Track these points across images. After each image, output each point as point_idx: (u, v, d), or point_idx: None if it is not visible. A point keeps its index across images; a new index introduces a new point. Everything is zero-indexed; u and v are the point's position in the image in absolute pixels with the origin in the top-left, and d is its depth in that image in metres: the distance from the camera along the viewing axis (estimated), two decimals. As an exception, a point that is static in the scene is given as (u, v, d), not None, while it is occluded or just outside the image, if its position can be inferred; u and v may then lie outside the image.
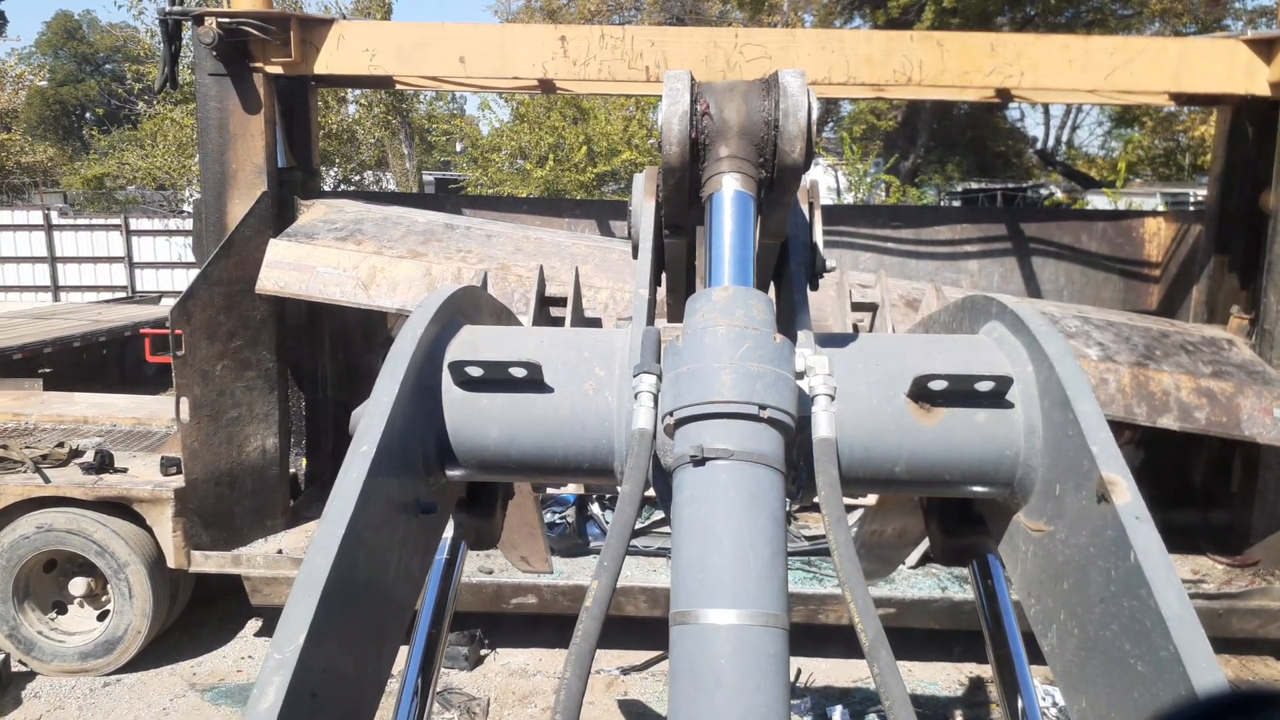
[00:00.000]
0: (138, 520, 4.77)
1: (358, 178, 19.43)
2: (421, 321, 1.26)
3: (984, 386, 1.23)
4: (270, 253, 4.59)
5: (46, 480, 4.81)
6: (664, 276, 1.73)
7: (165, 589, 4.87)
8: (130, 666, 4.90)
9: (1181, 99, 5.15)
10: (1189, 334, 4.83)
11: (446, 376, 1.29)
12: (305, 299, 4.67)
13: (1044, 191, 21.88)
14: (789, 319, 1.41)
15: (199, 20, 4.54)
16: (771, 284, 1.65)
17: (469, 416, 1.29)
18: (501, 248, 4.84)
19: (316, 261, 4.58)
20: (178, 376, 4.60)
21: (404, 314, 4.71)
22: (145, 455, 5.33)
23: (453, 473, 1.34)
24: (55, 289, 17.67)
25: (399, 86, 5.42)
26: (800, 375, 1.23)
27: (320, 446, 5.76)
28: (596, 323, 2.71)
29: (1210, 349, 4.71)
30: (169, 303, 12.56)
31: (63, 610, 5.03)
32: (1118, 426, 4.64)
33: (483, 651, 5.14)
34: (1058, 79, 4.65)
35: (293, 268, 4.57)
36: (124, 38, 25.65)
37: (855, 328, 1.96)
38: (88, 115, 42.04)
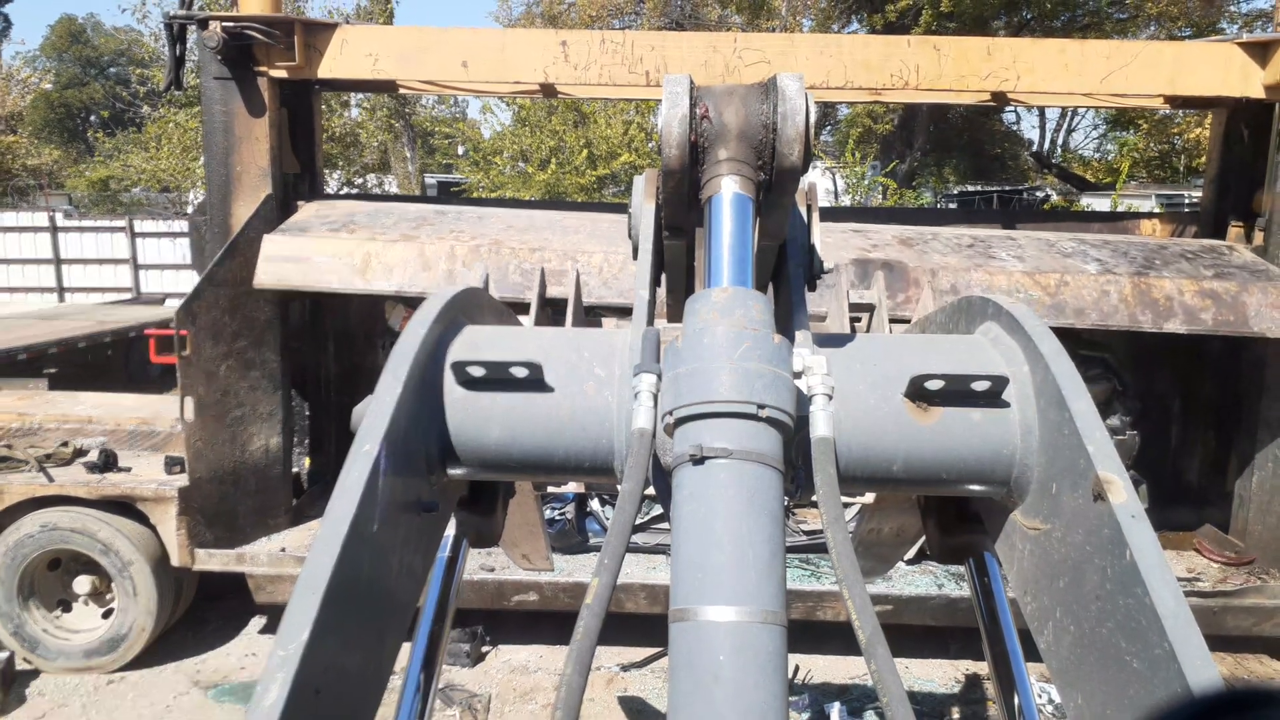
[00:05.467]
0: (142, 519, 4.78)
1: (360, 181, 19.46)
2: (424, 321, 1.27)
3: (980, 386, 1.24)
4: (265, 248, 4.62)
5: (51, 479, 4.82)
6: (664, 277, 1.75)
7: (169, 587, 4.89)
8: (134, 664, 4.91)
9: (1177, 102, 5.16)
10: (1187, 245, 4.83)
11: (449, 376, 1.30)
12: (302, 289, 4.70)
13: (1040, 194, 21.87)
14: (787, 319, 1.42)
15: (203, 24, 4.56)
16: (770, 285, 1.67)
17: (471, 416, 1.30)
18: (493, 226, 4.89)
19: (311, 252, 4.60)
20: (182, 377, 4.62)
21: (401, 296, 4.75)
22: (149, 455, 5.35)
23: (454, 472, 1.34)
24: (60, 291, 17.66)
25: (402, 90, 5.44)
26: (798, 375, 1.24)
27: (323, 446, 5.78)
28: (596, 322, 2.73)
29: (1210, 255, 4.71)
30: (174, 304, 12.57)
31: (67, 608, 5.05)
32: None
33: (484, 648, 5.16)
34: (1054, 82, 4.66)
35: (288, 260, 4.60)
36: (128, 41, 25.65)
37: (853, 328, 1.97)
38: (92, 118, 42.08)
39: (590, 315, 4.25)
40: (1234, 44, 4.65)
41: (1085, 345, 4.89)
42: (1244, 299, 4.37)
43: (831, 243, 4.58)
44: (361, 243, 4.63)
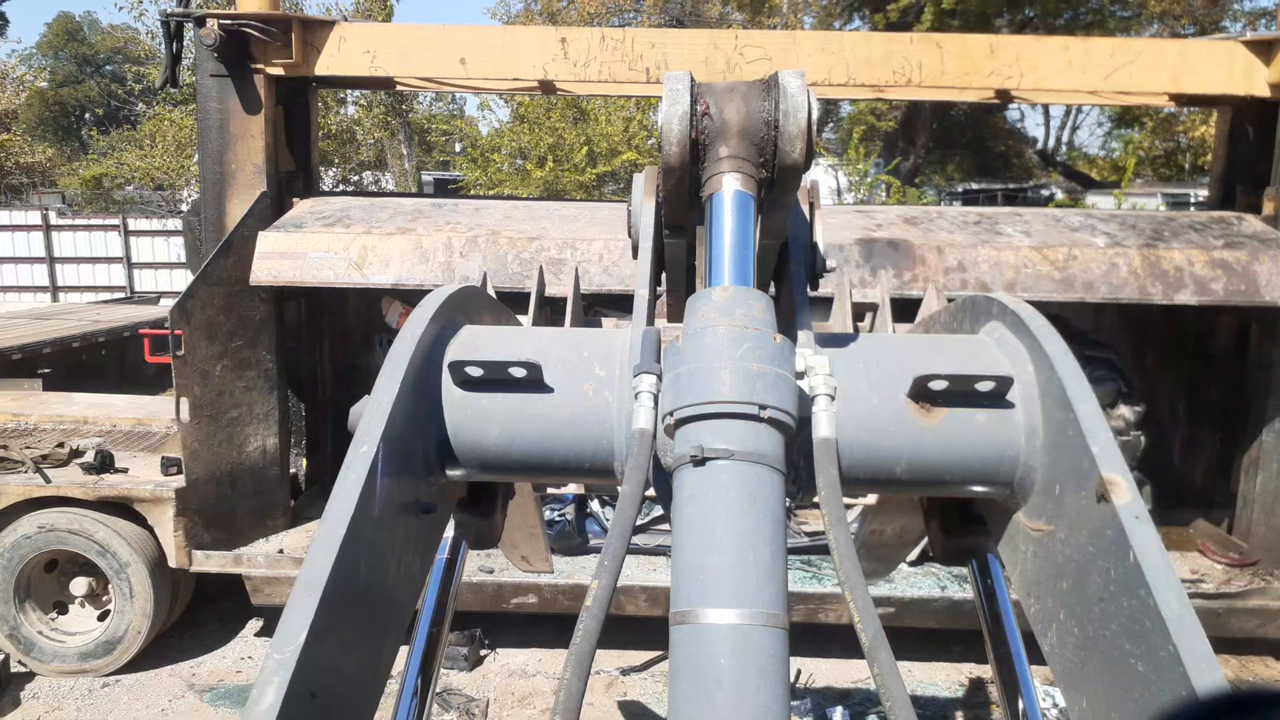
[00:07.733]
0: (139, 520, 4.77)
1: (356, 178, 19.47)
2: (421, 321, 1.26)
3: (984, 386, 1.23)
4: (261, 244, 4.61)
5: (47, 480, 4.80)
6: (664, 276, 1.74)
7: (166, 589, 4.87)
8: (129, 667, 4.89)
9: (1181, 100, 5.15)
10: (1196, 216, 4.83)
11: (446, 376, 1.29)
12: (299, 284, 4.68)
13: (1045, 192, 21.88)
14: (789, 319, 1.41)
15: (201, 21, 4.54)
16: (772, 284, 1.65)
17: (469, 416, 1.29)
18: (490, 216, 4.89)
19: (308, 248, 4.59)
20: (177, 377, 4.60)
21: (399, 289, 4.74)
22: (146, 455, 5.33)
23: (453, 473, 1.34)
24: (54, 289, 17.66)
25: (399, 88, 5.42)
26: (801, 375, 1.23)
27: (320, 446, 5.76)
28: (596, 322, 2.71)
29: (1220, 225, 4.69)
30: (168, 303, 12.56)
31: (63, 610, 5.03)
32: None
33: (482, 652, 5.14)
34: (1057, 80, 4.65)
35: (284, 256, 4.58)
36: (124, 39, 25.66)
37: (855, 327, 1.96)
38: (87, 116, 42.07)
39: (591, 306, 4.23)
40: (1238, 42, 4.63)
41: (1090, 345, 4.89)
42: (1255, 268, 4.33)
43: (835, 223, 4.57)
44: (357, 236, 4.62)
